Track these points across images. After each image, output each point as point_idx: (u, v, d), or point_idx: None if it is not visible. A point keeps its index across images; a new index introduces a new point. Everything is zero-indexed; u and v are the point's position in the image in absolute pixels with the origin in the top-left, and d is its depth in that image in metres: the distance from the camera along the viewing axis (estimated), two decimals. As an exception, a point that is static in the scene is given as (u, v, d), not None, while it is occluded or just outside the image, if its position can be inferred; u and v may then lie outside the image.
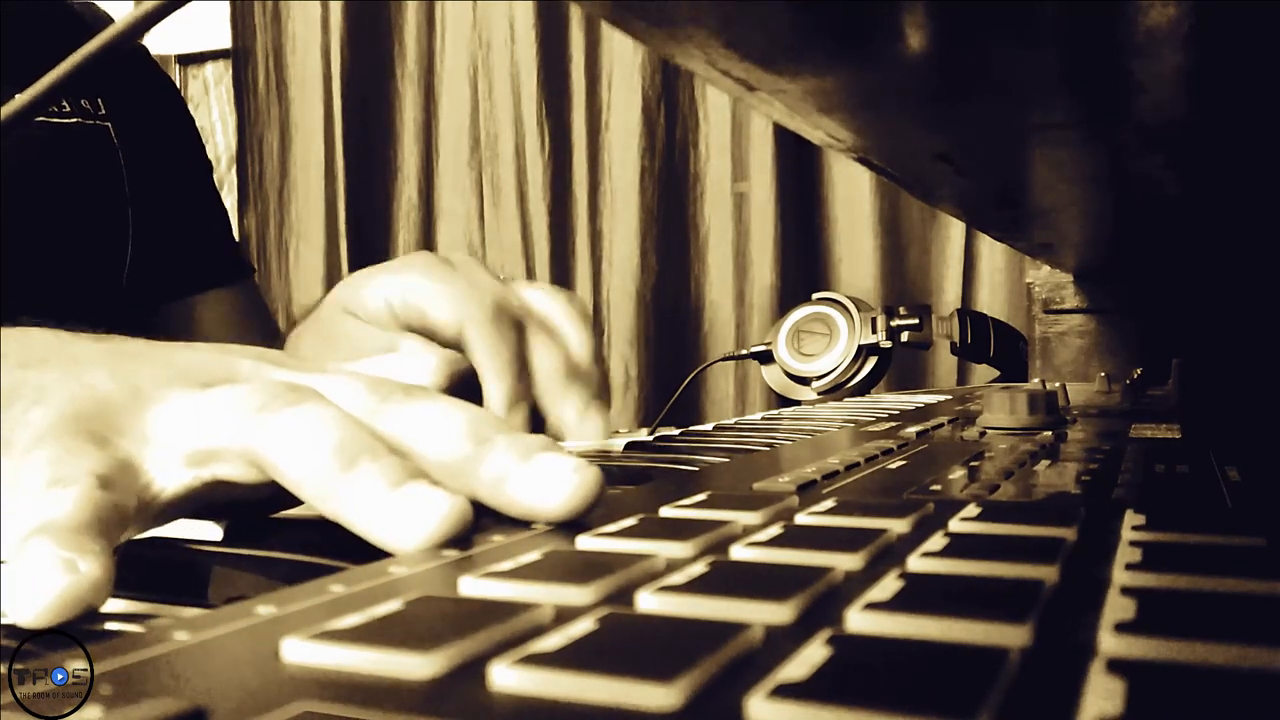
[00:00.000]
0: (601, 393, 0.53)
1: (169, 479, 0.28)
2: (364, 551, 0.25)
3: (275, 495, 0.28)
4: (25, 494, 0.24)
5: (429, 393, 0.30)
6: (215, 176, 0.88)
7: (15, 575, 0.22)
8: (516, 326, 0.50)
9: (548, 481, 0.26)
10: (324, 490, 0.26)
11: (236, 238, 1.81)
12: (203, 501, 0.29)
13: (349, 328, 0.53)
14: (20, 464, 0.26)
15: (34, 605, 0.21)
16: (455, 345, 0.50)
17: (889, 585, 0.18)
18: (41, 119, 0.65)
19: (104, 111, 0.70)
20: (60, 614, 0.22)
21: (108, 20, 0.76)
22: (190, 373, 0.30)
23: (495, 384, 0.49)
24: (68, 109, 0.68)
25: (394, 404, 0.29)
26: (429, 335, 0.51)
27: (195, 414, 0.28)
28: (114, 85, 0.72)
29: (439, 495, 0.25)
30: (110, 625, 0.22)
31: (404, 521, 0.24)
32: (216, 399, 0.28)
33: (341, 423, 0.27)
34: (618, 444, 0.51)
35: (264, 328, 0.85)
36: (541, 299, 0.54)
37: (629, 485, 0.33)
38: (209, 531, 0.31)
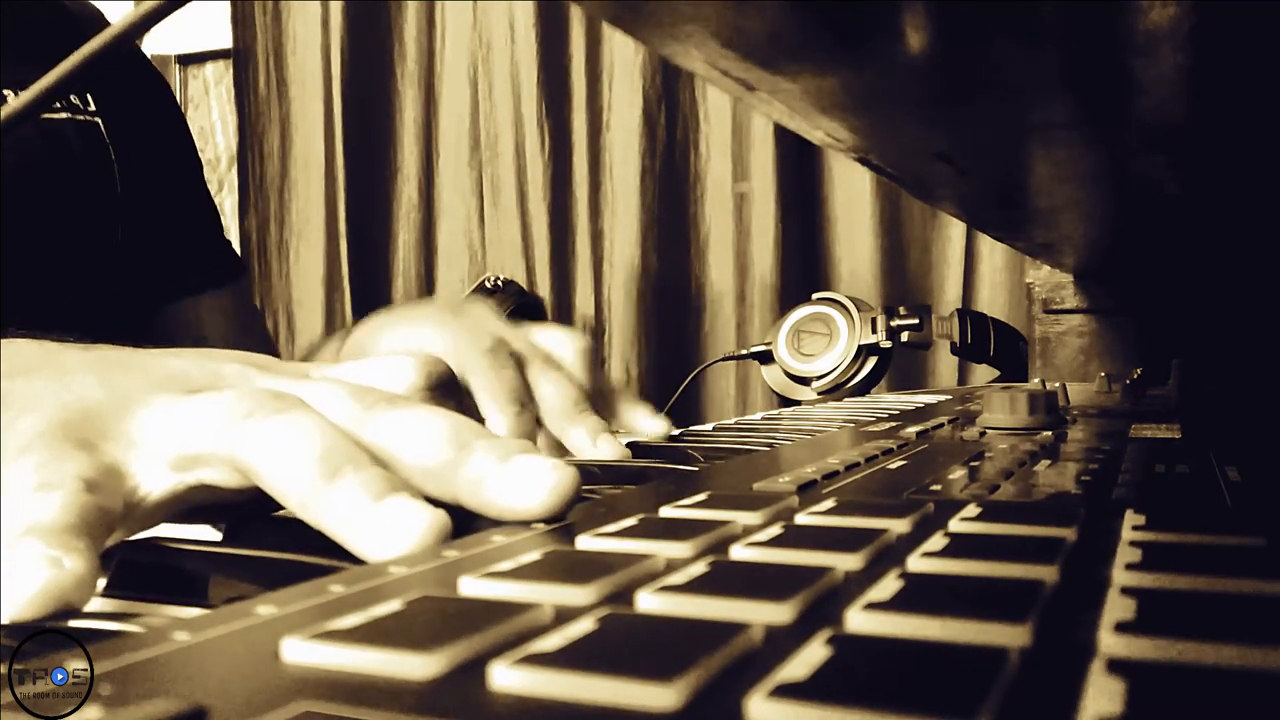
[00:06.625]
0: (623, 409, 0.57)
1: (154, 483, 0.28)
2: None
3: (260, 499, 0.28)
4: (13, 498, 0.25)
5: (411, 401, 0.31)
6: (215, 176, 0.88)
7: (2, 571, 0.22)
8: (516, 363, 0.53)
9: (525, 481, 0.26)
10: (307, 499, 0.26)
11: (235, 237, 1.82)
12: (189, 505, 0.29)
13: None
14: (9, 470, 0.26)
15: (18, 599, 0.22)
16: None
17: (889, 585, 0.18)
18: None
19: (94, 108, 0.70)
20: (44, 607, 0.22)
21: (98, 15, 0.76)
22: (176, 379, 0.30)
23: (496, 418, 0.51)
24: (58, 105, 0.68)
25: (378, 412, 0.29)
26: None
27: (180, 419, 0.28)
28: (105, 82, 0.72)
29: (419, 509, 0.25)
30: (110, 625, 0.22)
31: (385, 534, 0.25)
32: (202, 404, 0.29)
33: (326, 432, 0.27)
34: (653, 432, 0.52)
35: (256, 327, 0.85)
36: (548, 338, 0.57)
37: (629, 485, 0.33)
38: (208, 533, 0.32)
